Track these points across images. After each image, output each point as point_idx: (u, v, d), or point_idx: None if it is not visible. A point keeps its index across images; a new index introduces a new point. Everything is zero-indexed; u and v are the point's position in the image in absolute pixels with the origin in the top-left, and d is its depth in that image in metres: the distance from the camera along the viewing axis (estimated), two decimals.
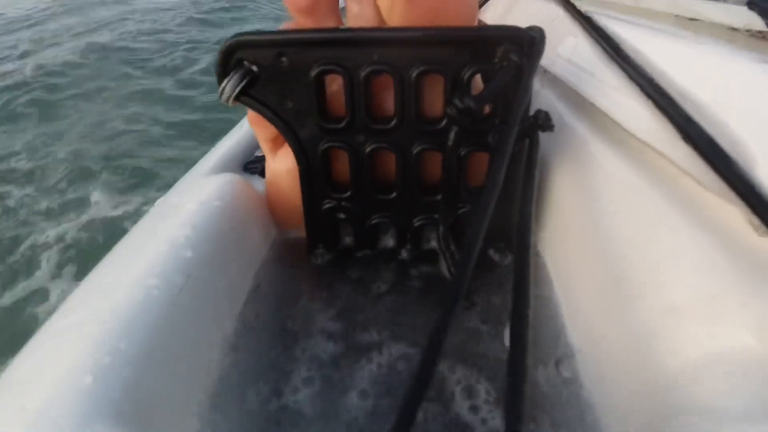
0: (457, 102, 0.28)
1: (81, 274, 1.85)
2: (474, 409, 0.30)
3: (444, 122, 0.33)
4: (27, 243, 2.10)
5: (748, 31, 0.32)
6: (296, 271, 0.41)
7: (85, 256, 1.98)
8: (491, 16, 0.80)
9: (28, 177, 2.59)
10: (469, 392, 0.31)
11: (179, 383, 0.25)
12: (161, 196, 0.41)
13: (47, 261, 1.99)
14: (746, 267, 0.22)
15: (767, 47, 0.30)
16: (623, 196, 0.30)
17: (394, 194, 0.36)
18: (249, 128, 0.54)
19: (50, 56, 4.34)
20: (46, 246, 2.08)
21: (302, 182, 0.36)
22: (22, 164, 2.72)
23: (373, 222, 0.37)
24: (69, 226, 2.20)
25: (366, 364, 0.33)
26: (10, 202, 2.38)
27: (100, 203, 2.34)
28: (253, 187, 0.41)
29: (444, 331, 0.19)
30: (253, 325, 0.33)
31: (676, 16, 0.39)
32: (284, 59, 0.32)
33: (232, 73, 0.32)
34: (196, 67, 3.91)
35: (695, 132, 0.25)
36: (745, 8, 0.32)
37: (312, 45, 0.32)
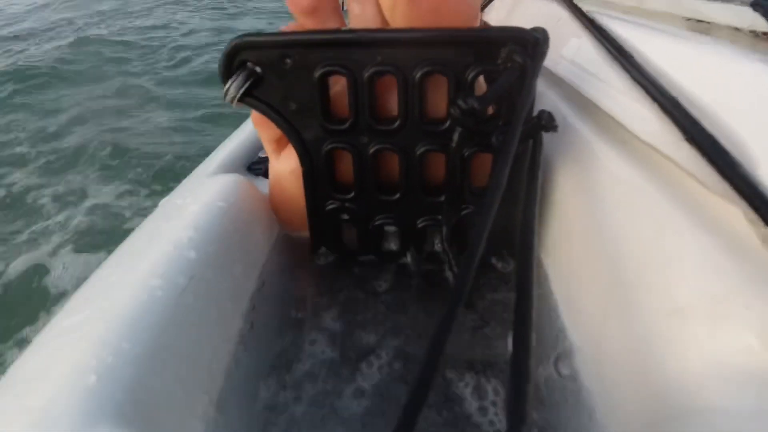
0: (460, 103, 0.28)
1: (82, 254, 1.93)
2: (482, 410, 0.30)
3: (448, 123, 0.33)
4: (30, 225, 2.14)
5: (752, 32, 0.32)
6: (300, 271, 0.41)
7: (88, 239, 2.01)
8: (495, 17, 0.80)
9: (32, 162, 2.65)
10: (468, 394, 0.31)
11: (182, 384, 0.25)
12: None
13: (49, 242, 2.02)
14: (750, 269, 0.22)
15: None
16: (627, 197, 0.30)
17: (397, 195, 0.36)
18: (253, 129, 0.54)
19: (52, 46, 4.45)
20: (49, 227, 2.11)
21: (306, 183, 0.36)
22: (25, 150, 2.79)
23: (377, 223, 0.37)
24: (73, 211, 2.23)
25: (370, 366, 0.33)
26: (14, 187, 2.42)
27: (103, 190, 2.38)
28: (256, 188, 0.41)
29: (447, 332, 0.19)
30: (257, 325, 0.34)
31: (680, 16, 0.39)
32: (288, 60, 0.32)
33: (236, 74, 0.33)
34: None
35: (699, 133, 0.25)
36: (749, 9, 0.32)
37: (316, 46, 0.32)
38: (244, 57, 0.33)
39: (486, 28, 0.32)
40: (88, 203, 2.28)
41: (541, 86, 0.48)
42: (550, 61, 0.43)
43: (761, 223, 0.21)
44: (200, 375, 0.27)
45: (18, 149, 2.81)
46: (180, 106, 3.29)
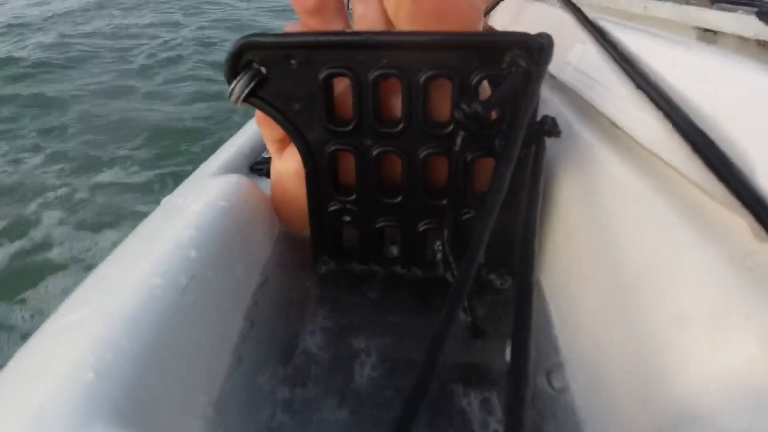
0: (464, 107, 0.28)
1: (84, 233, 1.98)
2: (478, 413, 0.30)
3: (451, 127, 0.33)
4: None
5: (758, 41, 0.32)
6: (301, 272, 0.41)
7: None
8: (500, 21, 0.80)
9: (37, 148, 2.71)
10: (464, 399, 0.31)
11: (181, 383, 0.25)
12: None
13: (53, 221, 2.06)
14: (752, 279, 0.21)
15: None
16: (629, 204, 0.30)
17: (399, 198, 0.36)
18: (256, 129, 0.55)
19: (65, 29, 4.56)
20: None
21: (308, 184, 0.36)
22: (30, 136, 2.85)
23: (378, 225, 0.37)
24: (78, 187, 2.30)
25: (368, 370, 0.33)
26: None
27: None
28: (259, 188, 0.41)
29: (444, 337, 0.19)
30: (257, 326, 0.34)
31: (686, 25, 0.39)
32: (293, 61, 0.32)
33: (241, 75, 0.33)
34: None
35: (702, 142, 0.25)
36: (755, 18, 0.32)
37: (321, 47, 0.32)
38: (250, 57, 0.33)
39: (491, 32, 0.32)
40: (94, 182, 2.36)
41: (545, 91, 0.48)
42: (555, 66, 0.43)
43: (764, 233, 0.21)
44: (199, 374, 0.27)
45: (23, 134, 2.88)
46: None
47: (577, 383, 0.30)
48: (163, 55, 4.05)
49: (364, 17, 0.33)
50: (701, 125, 0.26)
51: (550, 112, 0.33)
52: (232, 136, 0.59)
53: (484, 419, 0.30)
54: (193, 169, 0.51)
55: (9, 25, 4.83)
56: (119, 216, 2.09)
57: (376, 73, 0.32)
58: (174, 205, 0.36)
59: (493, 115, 0.33)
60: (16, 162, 2.59)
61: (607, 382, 0.27)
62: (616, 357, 0.27)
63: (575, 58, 0.45)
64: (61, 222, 2.08)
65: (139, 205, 2.16)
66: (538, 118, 0.33)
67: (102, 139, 2.79)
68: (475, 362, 0.33)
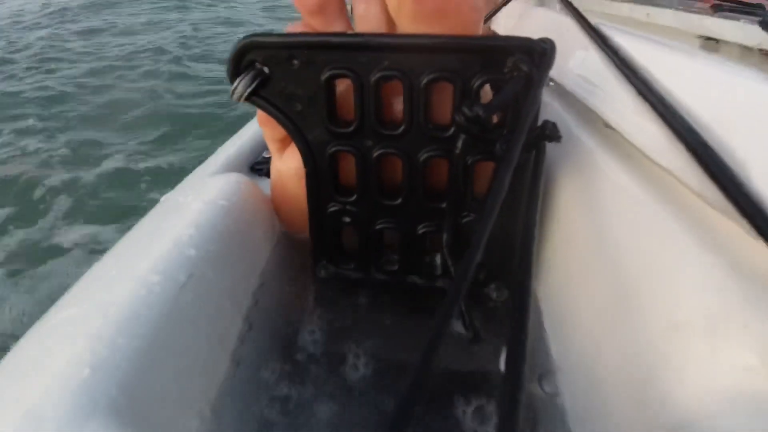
0: (466, 110, 0.28)
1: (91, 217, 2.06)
2: (472, 419, 0.30)
3: (452, 130, 0.33)
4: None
5: (761, 50, 0.32)
6: (300, 273, 0.41)
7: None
8: (502, 26, 0.80)
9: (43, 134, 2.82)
10: (458, 404, 0.31)
11: (178, 381, 0.25)
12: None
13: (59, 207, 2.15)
14: (750, 288, 0.21)
15: None
16: (628, 210, 0.30)
17: (399, 200, 0.36)
18: (256, 129, 0.55)
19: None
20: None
21: (308, 184, 0.36)
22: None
23: (378, 227, 0.37)
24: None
25: (366, 373, 0.33)
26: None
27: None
28: (259, 187, 0.41)
29: (440, 338, 0.19)
30: (255, 326, 0.33)
31: (689, 33, 0.39)
32: (296, 61, 0.32)
33: (243, 74, 0.33)
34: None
35: (703, 150, 0.25)
36: (758, 27, 0.32)
37: (324, 48, 0.32)
38: (252, 57, 0.33)
39: (494, 36, 0.32)
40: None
41: (546, 96, 0.48)
42: (556, 71, 0.43)
43: (763, 242, 0.21)
44: (196, 373, 0.27)
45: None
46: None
47: (573, 390, 0.30)
48: (172, 45, 4.17)
49: (365, 17, 0.33)
50: (702, 133, 0.26)
51: (551, 117, 0.33)
52: (232, 135, 0.59)
53: (479, 424, 0.30)
54: (196, 165, 0.51)
55: (12, 17, 4.92)
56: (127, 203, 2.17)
57: (378, 74, 0.32)
58: (174, 203, 0.36)
59: (494, 118, 0.33)
60: (22, 150, 2.66)
61: (603, 389, 0.27)
62: (612, 364, 0.27)
63: (577, 63, 0.45)
64: (67, 207, 2.15)
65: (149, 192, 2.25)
66: (539, 123, 0.33)
67: (110, 126, 2.90)
68: (471, 368, 0.33)
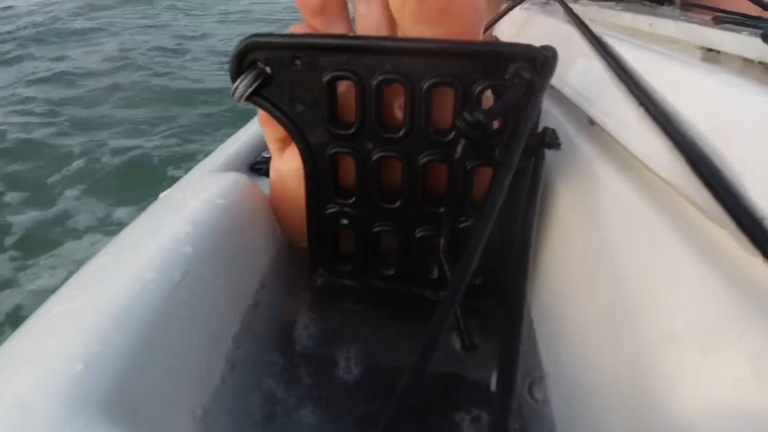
0: (466, 115, 0.28)
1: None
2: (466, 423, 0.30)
3: (452, 134, 0.33)
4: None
5: (762, 63, 0.32)
6: (298, 274, 0.40)
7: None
8: (505, 32, 0.80)
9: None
10: (452, 409, 0.31)
11: (170, 379, 0.25)
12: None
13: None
14: (745, 299, 0.21)
15: None
16: (626, 219, 0.30)
17: (398, 203, 0.36)
18: (257, 129, 0.55)
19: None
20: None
21: (307, 185, 0.36)
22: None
23: (376, 230, 0.37)
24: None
25: (362, 377, 0.33)
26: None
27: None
28: (258, 187, 0.41)
29: (435, 344, 0.19)
30: (251, 326, 0.33)
31: (691, 44, 0.39)
32: (298, 62, 0.32)
33: (245, 73, 0.33)
34: None
35: (701, 161, 0.25)
36: (759, 40, 0.32)
37: (326, 50, 0.32)
38: (255, 57, 0.33)
39: (496, 42, 0.32)
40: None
41: (547, 104, 0.48)
42: (558, 79, 0.43)
43: (759, 254, 0.21)
44: (190, 372, 0.27)
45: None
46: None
47: (565, 398, 0.30)
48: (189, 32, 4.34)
49: (367, 17, 0.33)
50: (701, 144, 0.26)
51: (551, 125, 0.34)
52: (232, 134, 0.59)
53: (470, 430, 0.30)
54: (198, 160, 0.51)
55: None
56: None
57: (380, 77, 0.32)
58: (171, 200, 0.36)
59: (495, 124, 0.33)
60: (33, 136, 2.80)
61: (595, 398, 0.27)
62: (605, 372, 0.27)
63: (578, 71, 0.45)
64: (80, 189, 2.29)
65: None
66: (539, 130, 0.33)
67: (122, 108, 3.14)
68: (463, 374, 0.33)
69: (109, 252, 0.31)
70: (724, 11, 0.42)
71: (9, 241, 1.96)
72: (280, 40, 0.32)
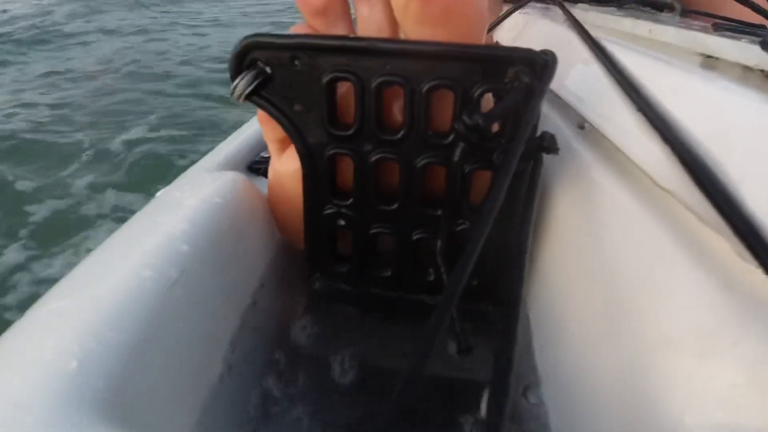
0: (465, 118, 0.28)
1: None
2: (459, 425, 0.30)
3: (451, 137, 0.33)
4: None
5: (761, 70, 0.32)
6: (295, 274, 0.40)
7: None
8: (505, 36, 0.80)
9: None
10: (446, 410, 0.31)
11: (165, 378, 0.25)
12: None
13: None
14: (741, 305, 0.22)
15: None
16: (623, 225, 0.30)
17: (395, 205, 0.36)
18: (256, 128, 0.54)
19: None
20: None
21: (305, 186, 0.36)
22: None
23: (373, 232, 0.37)
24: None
25: (357, 378, 0.33)
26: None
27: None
28: (256, 187, 0.41)
29: (431, 346, 0.19)
30: (248, 326, 0.33)
31: (691, 51, 0.39)
32: (298, 63, 0.32)
33: (245, 72, 0.33)
34: None
35: (698, 168, 0.25)
36: (758, 47, 0.32)
37: (327, 51, 0.32)
38: (255, 56, 0.33)
39: (496, 46, 0.32)
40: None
41: (546, 108, 0.48)
42: (557, 83, 0.43)
43: (756, 262, 0.21)
44: (186, 371, 0.27)
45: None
46: None
47: (559, 402, 0.30)
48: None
49: (369, 19, 0.33)
50: (698, 151, 0.26)
51: (550, 129, 0.34)
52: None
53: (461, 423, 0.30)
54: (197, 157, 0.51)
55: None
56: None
57: (380, 79, 0.32)
58: (169, 198, 0.36)
59: (494, 128, 0.33)
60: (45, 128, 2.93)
61: (590, 403, 0.27)
62: (600, 377, 0.27)
63: (578, 76, 0.45)
64: (93, 178, 2.41)
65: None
66: (538, 134, 0.33)
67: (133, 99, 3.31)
68: (459, 377, 0.33)
69: (105, 249, 0.31)
70: (724, 18, 0.43)
71: (25, 229, 2.06)
72: (280, 40, 0.32)
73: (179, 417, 0.25)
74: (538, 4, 0.80)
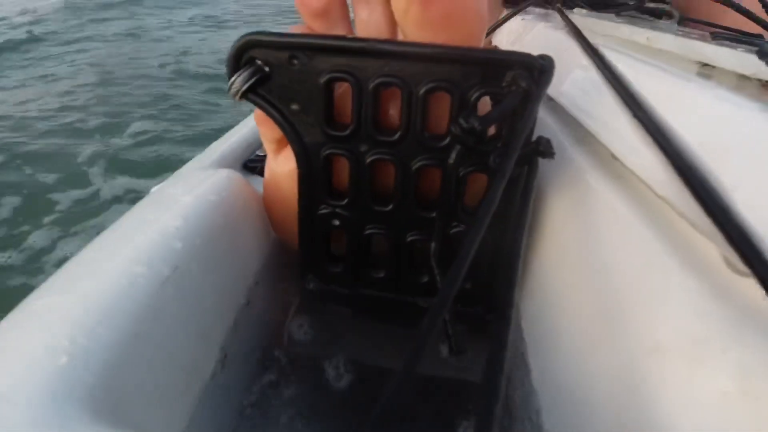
0: (462, 121, 0.28)
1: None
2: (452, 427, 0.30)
3: (447, 140, 0.33)
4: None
5: (759, 80, 0.32)
6: (289, 274, 0.40)
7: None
8: (504, 41, 0.80)
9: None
10: (438, 413, 0.31)
11: (155, 375, 0.25)
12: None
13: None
14: (732, 312, 0.22)
15: None
16: (617, 231, 0.30)
17: (390, 206, 0.36)
18: (252, 126, 0.54)
19: None
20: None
21: (301, 185, 0.36)
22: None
23: (367, 232, 0.37)
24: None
25: (350, 378, 0.33)
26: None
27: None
28: (251, 185, 0.41)
29: (423, 348, 0.19)
30: (240, 325, 0.33)
31: (688, 59, 0.39)
32: (296, 62, 0.32)
33: (242, 69, 0.33)
34: None
35: (693, 176, 0.25)
36: (755, 57, 0.32)
37: (326, 51, 0.32)
38: (253, 54, 0.33)
39: (495, 50, 0.32)
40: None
41: (542, 113, 0.48)
42: (554, 88, 0.43)
43: (747, 270, 0.21)
44: (177, 368, 0.27)
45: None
46: None
47: (552, 406, 0.30)
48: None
49: (368, 23, 0.33)
50: (694, 158, 0.26)
51: (546, 134, 0.34)
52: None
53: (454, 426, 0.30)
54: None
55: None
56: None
57: (378, 80, 0.32)
58: (163, 195, 0.36)
59: (490, 131, 0.33)
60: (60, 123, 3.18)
61: (583, 407, 0.27)
62: (592, 382, 0.27)
63: (575, 82, 0.45)
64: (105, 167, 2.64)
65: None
66: (534, 139, 0.33)
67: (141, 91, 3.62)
68: (451, 379, 0.33)
69: (97, 245, 0.31)
70: (721, 27, 0.43)
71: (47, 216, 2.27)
72: (279, 39, 0.32)
73: (170, 414, 0.25)
74: (537, 9, 0.80)
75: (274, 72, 0.33)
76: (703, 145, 0.26)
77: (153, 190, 0.39)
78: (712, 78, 0.36)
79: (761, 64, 0.32)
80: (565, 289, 0.33)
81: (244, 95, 0.33)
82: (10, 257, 2.00)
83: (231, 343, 0.32)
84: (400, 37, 0.33)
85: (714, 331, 0.22)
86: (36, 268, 1.94)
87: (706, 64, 0.37)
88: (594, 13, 0.65)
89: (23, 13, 5.80)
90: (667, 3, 0.77)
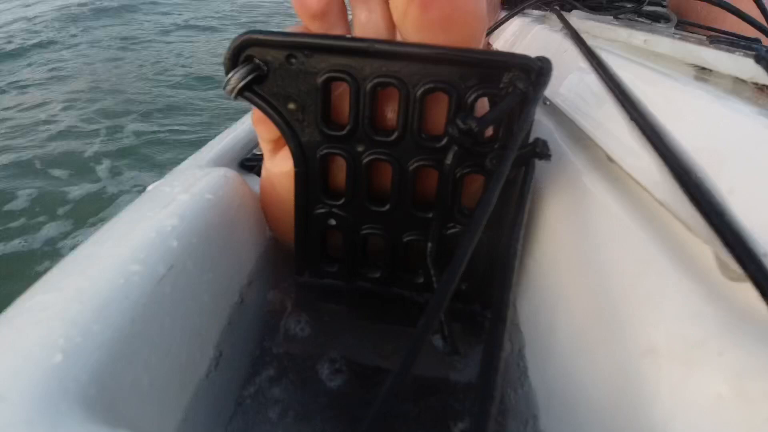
0: (459, 122, 0.28)
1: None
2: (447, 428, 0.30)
3: (444, 141, 0.33)
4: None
5: (754, 83, 0.32)
6: (285, 273, 0.40)
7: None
8: (502, 42, 0.80)
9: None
10: (433, 413, 0.31)
11: (151, 374, 0.25)
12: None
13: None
14: (728, 316, 0.22)
15: None
16: (613, 233, 0.30)
17: (387, 206, 0.36)
18: (249, 125, 0.54)
19: None
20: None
21: (297, 185, 0.36)
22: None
23: (363, 232, 0.37)
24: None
25: (346, 378, 0.33)
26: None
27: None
28: (247, 185, 0.41)
29: (419, 348, 0.19)
30: (236, 324, 0.33)
31: (685, 62, 0.39)
32: (294, 61, 0.32)
33: (239, 67, 0.32)
34: None
35: (689, 179, 0.25)
36: (752, 61, 0.32)
37: (324, 50, 0.32)
38: (251, 53, 0.33)
39: (493, 51, 0.32)
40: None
41: (539, 114, 0.48)
42: (551, 91, 0.43)
43: (743, 273, 0.21)
44: (173, 367, 0.27)
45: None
46: None
47: (548, 407, 0.30)
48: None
49: (366, 25, 0.33)
50: (691, 162, 0.26)
51: (543, 135, 0.34)
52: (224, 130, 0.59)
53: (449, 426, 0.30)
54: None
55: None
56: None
57: (375, 81, 0.32)
58: (159, 193, 0.36)
59: (487, 133, 0.33)
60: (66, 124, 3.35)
61: (578, 408, 0.27)
62: (588, 383, 0.27)
63: (572, 84, 0.45)
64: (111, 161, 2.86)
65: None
66: (531, 140, 0.33)
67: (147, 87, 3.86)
68: (446, 379, 0.33)
69: (93, 243, 0.30)
70: (719, 31, 0.43)
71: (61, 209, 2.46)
72: (277, 38, 0.32)
73: (164, 412, 0.25)
74: (535, 11, 0.80)
75: (271, 71, 0.33)
76: (700, 149, 0.26)
77: (149, 188, 0.39)
78: (709, 81, 0.36)
79: (758, 68, 0.32)
80: (561, 290, 0.33)
81: (240, 92, 0.33)
82: (26, 242, 2.22)
83: (226, 342, 0.31)
84: (399, 39, 0.33)
85: (709, 333, 0.22)
86: (53, 251, 2.15)
87: (703, 68, 0.37)
88: (592, 16, 0.65)
89: (19, 20, 5.93)
90: (664, 6, 0.77)
